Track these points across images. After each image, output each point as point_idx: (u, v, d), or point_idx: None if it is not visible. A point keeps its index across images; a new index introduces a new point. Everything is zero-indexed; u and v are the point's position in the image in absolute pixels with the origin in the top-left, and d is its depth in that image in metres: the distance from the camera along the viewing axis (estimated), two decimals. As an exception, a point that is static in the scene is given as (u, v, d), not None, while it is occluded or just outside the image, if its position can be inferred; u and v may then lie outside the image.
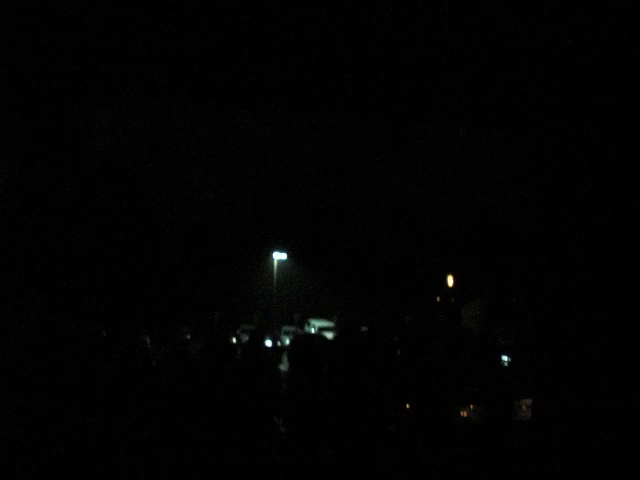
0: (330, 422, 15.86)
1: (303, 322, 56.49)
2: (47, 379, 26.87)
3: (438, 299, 61.16)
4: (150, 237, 59.68)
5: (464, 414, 16.01)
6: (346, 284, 64.06)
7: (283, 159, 70.26)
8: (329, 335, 42.88)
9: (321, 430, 15.61)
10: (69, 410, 25.00)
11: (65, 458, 22.82)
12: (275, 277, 64.53)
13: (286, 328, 53.86)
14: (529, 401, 16.65)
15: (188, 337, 48.00)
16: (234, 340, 42.78)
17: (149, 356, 30.03)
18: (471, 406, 15.86)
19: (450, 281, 62.89)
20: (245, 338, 46.03)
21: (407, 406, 15.07)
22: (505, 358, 22.89)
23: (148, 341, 36.77)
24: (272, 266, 64.94)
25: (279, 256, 64.93)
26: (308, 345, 24.81)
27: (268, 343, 41.40)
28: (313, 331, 51.91)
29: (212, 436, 21.52)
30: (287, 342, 49.12)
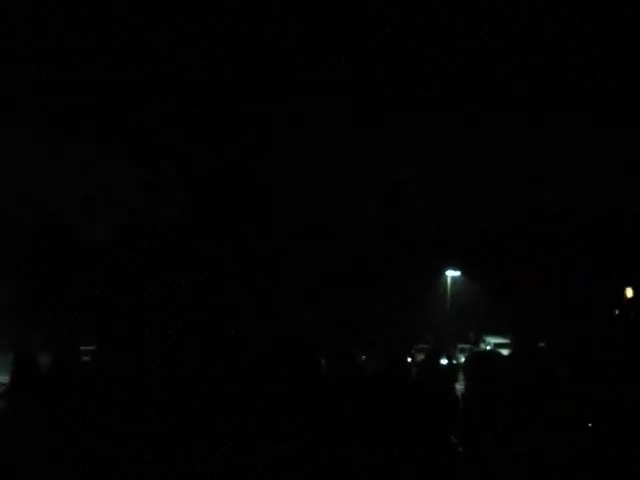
0: (507, 441, 15.53)
1: (478, 339, 55.77)
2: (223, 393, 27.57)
3: (617, 312, 59.19)
4: (319, 257, 60.51)
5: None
6: (521, 299, 62.89)
7: (453, 172, 69.85)
8: (505, 352, 42.13)
9: (498, 450, 15.31)
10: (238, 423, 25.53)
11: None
12: (449, 294, 64.04)
13: (461, 345, 53.35)
14: None
15: (363, 357, 48.06)
16: (409, 359, 42.55)
17: (323, 376, 30.34)
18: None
19: (629, 293, 60.74)
20: (420, 357, 45.72)
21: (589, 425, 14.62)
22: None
23: (323, 362, 37.33)
24: (445, 283, 64.47)
25: (452, 273, 64.43)
26: (484, 363, 24.40)
27: (443, 361, 40.97)
28: (488, 348, 51.18)
29: (388, 454, 21.47)
30: (462, 360, 48.52)
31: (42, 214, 62.22)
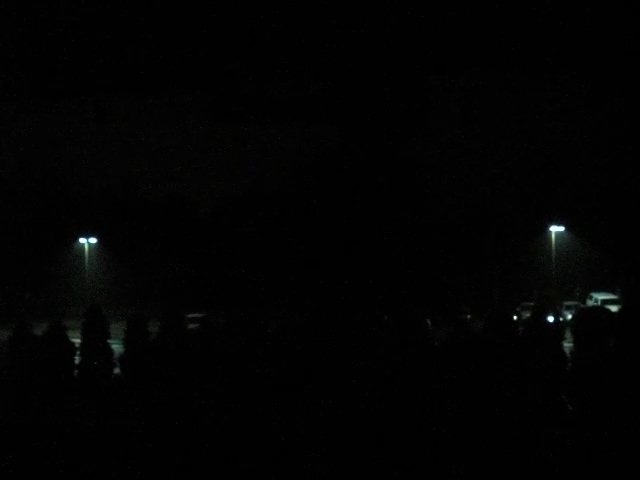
0: (617, 401, 15.15)
1: (585, 295, 54.59)
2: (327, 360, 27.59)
3: None
4: (424, 220, 60.11)
5: None
6: (631, 253, 61.34)
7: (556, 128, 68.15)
8: (614, 308, 41.18)
9: (609, 409, 14.97)
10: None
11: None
12: (554, 250, 62.91)
13: (567, 303, 52.30)
14: None
15: (468, 317, 47.82)
16: (515, 317, 42.12)
17: (430, 337, 30.17)
18: None
19: None
20: (526, 314, 45.23)
21: None
22: None
23: (429, 322, 36.81)
24: (550, 239, 63.34)
25: (556, 228, 63.18)
26: (592, 320, 23.82)
27: (550, 319, 40.32)
28: (595, 304, 50.04)
29: (493, 415, 21.17)
30: (569, 317, 47.66)
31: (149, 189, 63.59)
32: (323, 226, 57.61)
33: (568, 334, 33.54)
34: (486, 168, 63.93)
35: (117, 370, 35.55)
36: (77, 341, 36.30)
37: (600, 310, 34.63)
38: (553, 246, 61.04)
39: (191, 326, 37.95)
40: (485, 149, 64.21)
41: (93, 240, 59.71)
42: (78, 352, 35.98)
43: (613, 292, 53.27)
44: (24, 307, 54.64)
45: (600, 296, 52.37)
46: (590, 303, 52.20)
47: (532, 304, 42.26)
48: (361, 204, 58.35)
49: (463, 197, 63.28)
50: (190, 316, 39.87)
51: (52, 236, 60.05)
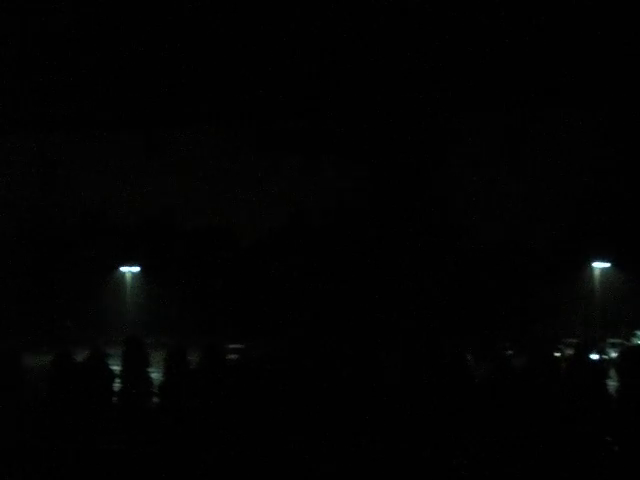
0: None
1: (630, 333, 53.82)
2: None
3: None
4: (456, 255, 59.91)
5: None
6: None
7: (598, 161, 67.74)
8: (660, 347, 40.35)
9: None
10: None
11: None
12: (596, 286, 62.30)
13: (612, 340, 51.61)
14: None
15: (510, 352, 47.40)
16: (558, 354, 41.60)
17: (471, 372, 29.82)
18: None
19: None
20: (569, 351, 44.64)
21: None
22: None
23: (470, 357, 36.36)
24: (591, 275, 62.73)
25: (601, 264, 62.55)
26: (638, 359, 23.36)
27: (594, 356, 39.74)
28: (641, 344, 49.34)
29: (535, 455, 20.78)
30: (613, 355, 46.97)
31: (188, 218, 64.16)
32: (364, 258, 57.60)
33: (612, 373, 33.09)
34: (529, 203, 63.59)
35: (156, 399, 35.65)
36: (117, 369, 36.46)
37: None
38: (596, 281, 60.44)
39: (231, 356, 38.02)
40: (528, 182, 63.86)
41: (135, 269, 60.25)
42: (118, 379, 36.16)
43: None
44: (66, 334, 55.18)
45: (646, 334, 51.66)
46: (636, 341, 51.46)
47: (575, 341, 41.69)
48: (402, 237, 58.29)
49: (505, 231, 62.99)
50: (230, 347, 39.97)
51: (95, 264, 60.70)
